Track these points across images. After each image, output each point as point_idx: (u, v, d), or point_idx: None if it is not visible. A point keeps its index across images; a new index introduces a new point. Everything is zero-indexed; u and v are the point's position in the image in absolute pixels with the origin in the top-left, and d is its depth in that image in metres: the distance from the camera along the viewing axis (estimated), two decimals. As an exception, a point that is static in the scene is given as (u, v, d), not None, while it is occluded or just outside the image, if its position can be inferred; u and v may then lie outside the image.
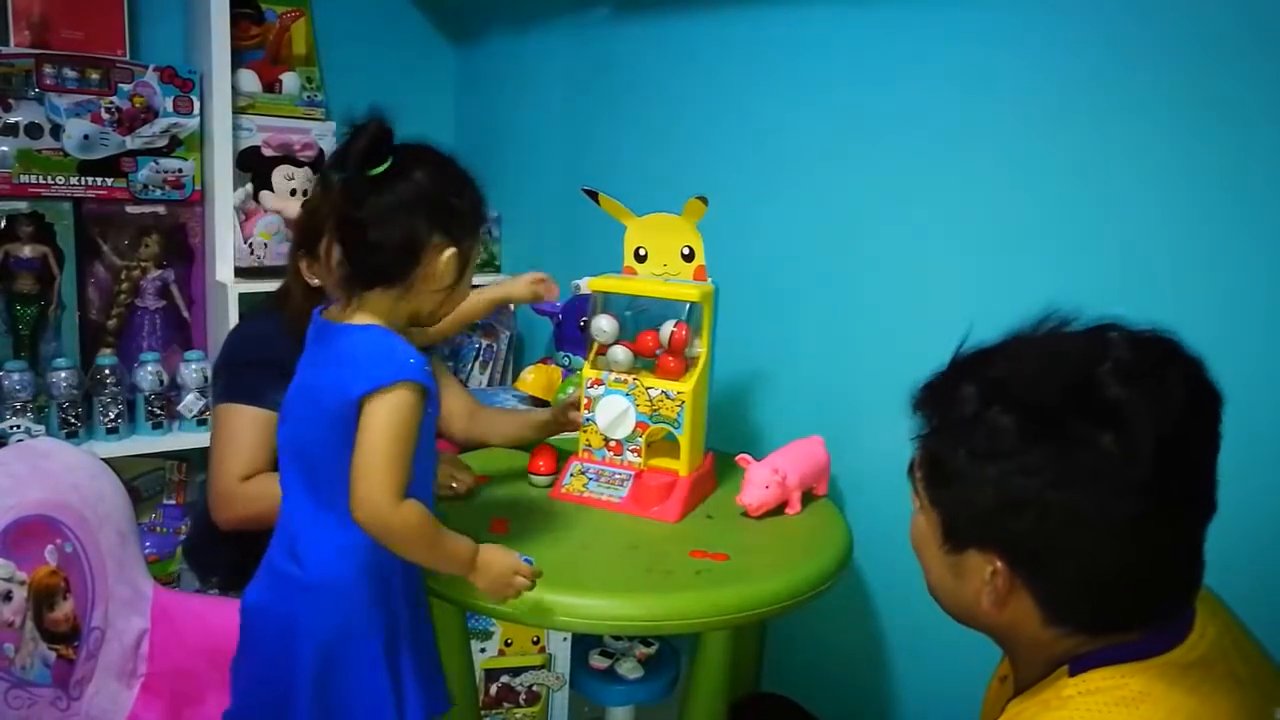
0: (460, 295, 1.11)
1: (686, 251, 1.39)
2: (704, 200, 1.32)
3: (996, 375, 0.75)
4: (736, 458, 1.40)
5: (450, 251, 1.06)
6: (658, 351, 1.40)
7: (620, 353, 1.39)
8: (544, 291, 1.38)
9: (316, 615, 1.07)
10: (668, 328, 1.38)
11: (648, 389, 1.37)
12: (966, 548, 0.76)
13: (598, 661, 1.52)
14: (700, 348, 1.38)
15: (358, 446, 1.00)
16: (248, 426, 1.43)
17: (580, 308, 1.96)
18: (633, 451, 1.39)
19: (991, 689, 0.92)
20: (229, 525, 1.44)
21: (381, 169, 1.02)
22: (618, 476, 1.40)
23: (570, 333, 2.03)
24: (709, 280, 1.39)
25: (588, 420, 1.41)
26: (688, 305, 1.38)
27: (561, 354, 2.05)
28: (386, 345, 1.03)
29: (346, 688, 1.09)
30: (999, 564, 0.74)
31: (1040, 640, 0.76)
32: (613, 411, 1.38)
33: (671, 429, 1.37)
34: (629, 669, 1.49)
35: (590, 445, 1.43)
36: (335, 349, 1.06)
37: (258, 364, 1.47)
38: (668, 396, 1.36)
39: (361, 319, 1.06)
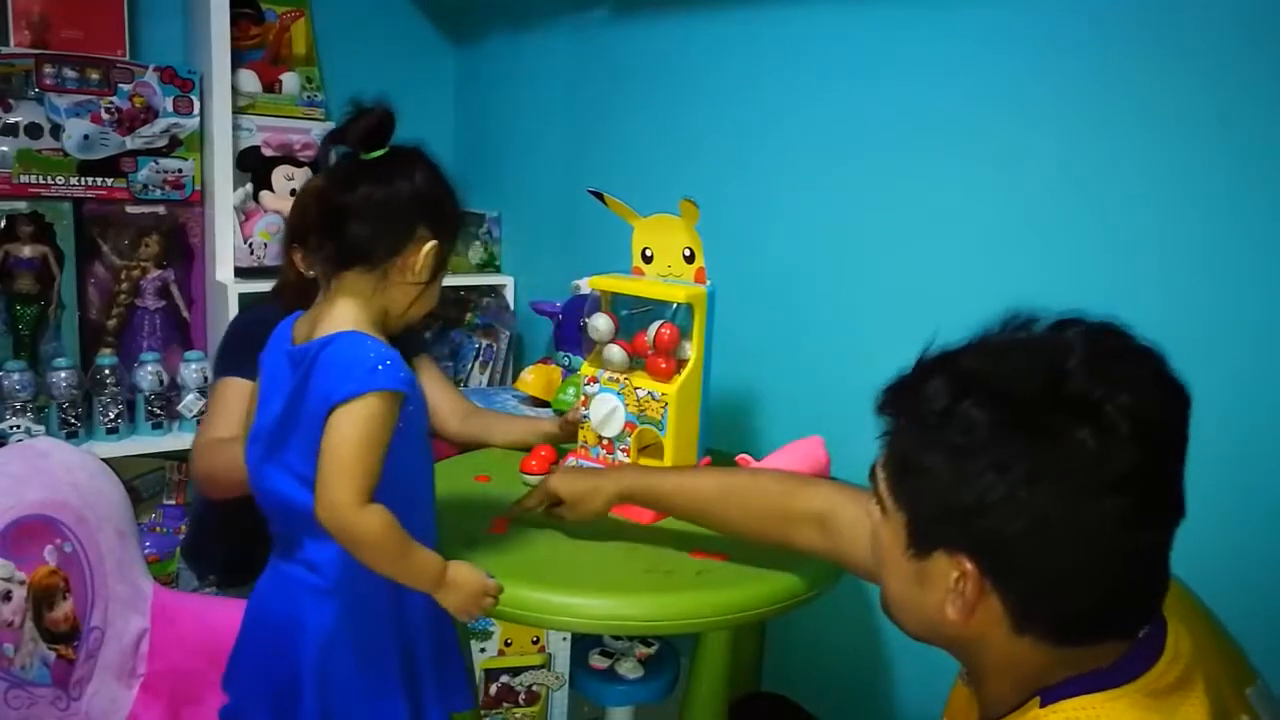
0: (429, 298, 1.11)
1: (688, 253, 1.38)
2: (693, 202, 1.32)
3: (967, 369, 0.73)
4: (736, 458, 1.40)
5: (432, 244, 1.06)
6: (649, 352, 1.39)
7: (615, 351, 1.38)
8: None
9: (328, 618, 1.06)
10: (654, 328, 1.38)
11: (636, 389, 1.36)
12: (933, 550, 0.74)
13: (598, 661, 1.51)
14: (690, 350, 1.38)
15: (322, 453, 0.98)
16: (235, 396, 1.44)
17: (580, 307, 1.96)
18: (623, 451, 1.39)
19: (957, 689, 0.89)
20: (197, 479, 1.53)
21: (377, 154, 1.04)
22: None
23: (570, 333, 2.03)
24: (709, 282, 1.38)
25: (584, 417, 1.41)
26: (674, 306, 1.37)
27: (561, 354, 2.05)
28: (358, 352, 1.00)
29: (353, 692, 1.08)
30: (968, 566, 0.71)
31: (1008, 654, 0.73)
32: (603, 409, 1.38)
33: (658, 431, 1.37)
34: (629, 669, 1.49)
35: (587, 442, 1.43)
36: (312, 366, 1.02)
37: (251, 343, 1.47)
38: (653, 398, 1.35)
39: (340, 309, 1.05)
